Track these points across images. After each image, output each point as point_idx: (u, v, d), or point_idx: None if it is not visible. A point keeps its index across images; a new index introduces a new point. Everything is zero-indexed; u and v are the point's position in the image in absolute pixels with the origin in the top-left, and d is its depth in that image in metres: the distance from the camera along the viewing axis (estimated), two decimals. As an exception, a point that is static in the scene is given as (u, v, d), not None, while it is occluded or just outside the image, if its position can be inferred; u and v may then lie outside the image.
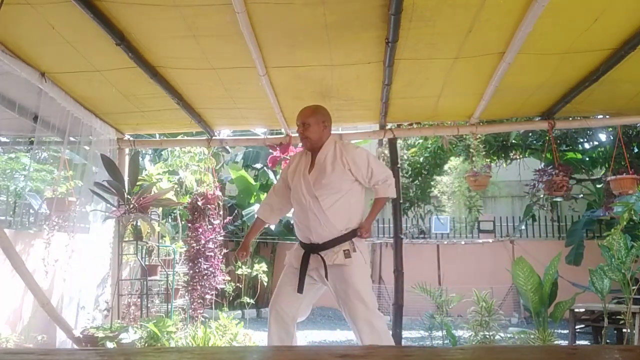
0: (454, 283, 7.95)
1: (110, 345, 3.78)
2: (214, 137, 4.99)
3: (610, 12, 2.85)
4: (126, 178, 4.57)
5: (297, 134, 4.85)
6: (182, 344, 4.23)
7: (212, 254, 5.08)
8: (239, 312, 8.27)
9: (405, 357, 0.98)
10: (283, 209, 3.45)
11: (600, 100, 4.16)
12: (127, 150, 5.06)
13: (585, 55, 3.38)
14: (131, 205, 4.34)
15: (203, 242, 5.05)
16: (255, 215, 3.56)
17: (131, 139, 5.05)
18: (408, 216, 10.56)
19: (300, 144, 4.94)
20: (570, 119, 5.47)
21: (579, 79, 3.75)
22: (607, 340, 4.94)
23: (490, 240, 10.07)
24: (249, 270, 6.58)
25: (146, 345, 3.93)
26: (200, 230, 5.07)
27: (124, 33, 2.99)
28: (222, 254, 5.31)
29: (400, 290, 4.47)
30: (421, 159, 9.70)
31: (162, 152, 9.09)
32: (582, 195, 9.63)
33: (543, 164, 6.16)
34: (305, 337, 7.00)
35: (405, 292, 4.50)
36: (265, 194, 10.42)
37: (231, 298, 7.65)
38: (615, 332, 5.60)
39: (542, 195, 7.75)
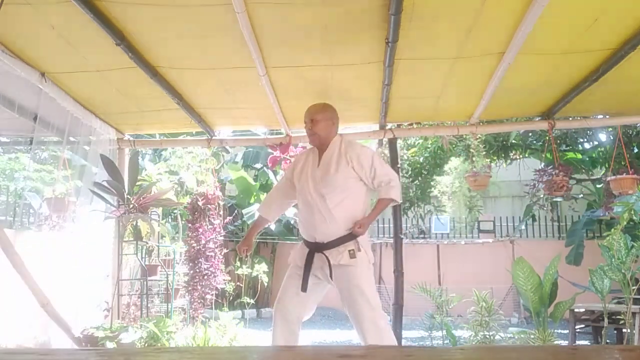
0: (454, 283, 7.95)
1: (110, 345, 3.78)
2: (214, 137, 4.99)
3: (610, 12, 2.85)
4: (126, 178, 4.57)
5: (296, 134, 4.92)
6: (182, 344, 4.23)
7: (212, 253, 5.08)
8: (239, 312, 8.27)
9: (405, 357, 0.98)
10: (284, 206, 3.50)
11: (600, 100, 4.16)
12: (127, 150, 5.06)
13: (585, 55, 3.38)
14: (131, 205, 4.34)
15: (203, 242, 5.06)
16: (257, 213, 3.57)
17: (131, 139, 5.05)
18: (408, 216, 10.56)
19: (300, 144, 4.96)
20: (570, 119, 5.47)
21: (579, 79, 3.75)
22: (607, 340, 4.94)
23: (490, 240, 10.07)
24: (249, 271, 6.58)
25: (146, 345, 3.93)
26: (201, 230, 5.07)
27: (124, 33, 2.99)
28: (223, 254, 5.31)
29: (400, 290, 4.47)
30: (421, 159, 9.70)
31: (162, 152, 9.10)
32: (582, 195, 9.63)
33: (543, 164, 6.16)
34: (305, 337, 6.99)
35: (405, 292, 4.49)
36: (265, 194, 10.41)
37: (231, 298, 7.66)
38: (615, 332, 5.60)
39: (542, 195, 7.75)
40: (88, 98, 4.09)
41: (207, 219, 5.11)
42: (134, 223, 4.54)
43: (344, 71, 3.59)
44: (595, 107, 4.54)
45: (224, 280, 5.26)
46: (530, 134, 8.35)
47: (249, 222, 9.43)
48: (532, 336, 4.42)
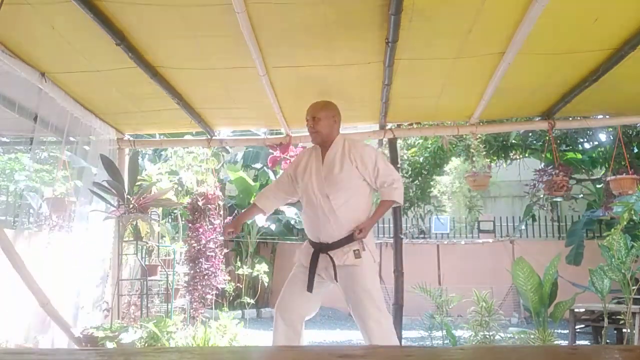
0: (454, 283, 7.94)
1: (110, 345, 3.78)
2: (214, 137, 4.99)
3: (610, 12, 2.85)
4: (126, 178, 4.57)
5: (296, 134, 4.92)
6: (182, 344, 4.23)
7: (212, 253, 5.09)
8: (239, 312, 8.27)
9: (405, 357, 0.98)
10: (280, 201, 3.47)
11: (600, 100, 4.16)
12: (127, 150, 5.06)
13: (585, 55, 3.38)
14: (131, 206, 4.33)
15: (204, 242, 5.06)
16: (252, 201, 3.54)
17: (131, 139, 5.05)
18: (408, 216, 10.56)
19: (300, 144, 4.96)
20: (570, 119, 5.47)
21: (579, 79, 3.75)
22: (607, 340, 4.94)
23: (490, 240, 10.07)
24: (250, 271, 6.58)
25: (146, 345, 3.92)
26: (201, 230, 5.07)
27: (124, 33, 2.99)
28: (223, 253, 5.31)
29: (400, 290, 4.46)
30: (421, 159, 9.70)
31: (162, 152, 9.10)
32: (582, 195, 9.64)
33: (543, 164, 6.16)
34: (305, 337, 6.99)
35: (405, 292, 4.49)
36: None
37: (231, 298, 7.65)
38: (615, 332, 5.60)
39: (542, 195, 7.76)
40: (88, 98, 4.09)
41: (207, 219, 5.11)
42: (134, 223, 4.54)
43: (344, 71, 3.59)
44: (595, 107, 4.54)
45: (224, 280, 5.26)
46: (530, 134, 8.35)
47: (249, 222, 9.44)
48: (532, 336, 4.43)
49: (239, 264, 6.67)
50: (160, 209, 5.62)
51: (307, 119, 3.18)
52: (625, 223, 3.99)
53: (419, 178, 9.82)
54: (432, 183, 9.84)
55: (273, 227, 9.82)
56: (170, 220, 7.87)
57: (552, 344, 4.36)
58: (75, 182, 4.58)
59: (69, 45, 3.14)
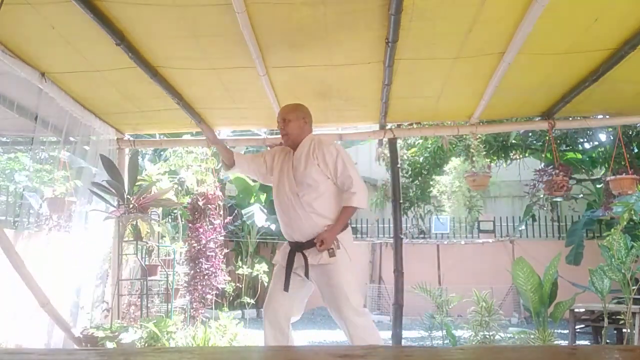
0: (454, 283, 7.94)
1: (110, 345, 3.78)
2: (214, 137, 4.98)
3: (610, 12, 2.85)
4: (126, 178, 4.57)
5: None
6: (182, 344, 4.23)
7: (213, 253, 5.09)
8: (239, 312, 8.27)
9: (405, 357, 0.98)
10: (249, 170, 3.50)
11: (600, 100, 4.16)
12: (127, 150, 5.06)
13: (585, 55, 3.38)
14: (131, 205, 4.33)
15: (204, 242, 5.06)
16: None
17: (131, 139, 5.05)
18: (408, 216, 10.56)
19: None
20: (570, 119, 5.47)
21: (579, 79, 3.75)
22: (607, 340, 4.94)
23: (490, 240, 10.07)
24: (249, 271, 6.59)
25: (146, 345, 3.92)
26: (201, 230, 5.07)
27: (124, 33, 2.99)
28: (223, 253, 5.31)
29: (400, 290, 4.47)
30: (421, 159, 9.71)
31: (162, 152, 9.10)
32: (582, 195, 9.64)
33: (543, 164, 6.16)
34: (305, 337, 6.99)
35: (405, 292, 4.50)
36: (265, 194, 10.38)
37: (231, 298, 7.65)
38: (615, 332, 5.60)
39: (542, 195, 7.75)
40: (88, 98, 4.09)
41: (207, 219, 5.11)
42: (134, 223, 4.54)
43: (344, 71, 3.59)
44: (595, 107, 4.53)
45: (224, 280, 5.26)
46: (530, 134, 8.35)
47: (248, 222, 9.45)
48: (532, 336, 4.42)
49: (239, 264, 6.67)
50: (160, 209, 5.62)
51: (277, 121, 3.24)
52: (625, 223, 3.99)
53: (419, 178, 9.83)
54: (432, 183, 9.85)
55: (273, 227, 9.82)
56: (170, 220, 7.86)
57: (552, 344, 4.35)
58: (75, 182, 4.57)
59: (69, 45, 3.14)
